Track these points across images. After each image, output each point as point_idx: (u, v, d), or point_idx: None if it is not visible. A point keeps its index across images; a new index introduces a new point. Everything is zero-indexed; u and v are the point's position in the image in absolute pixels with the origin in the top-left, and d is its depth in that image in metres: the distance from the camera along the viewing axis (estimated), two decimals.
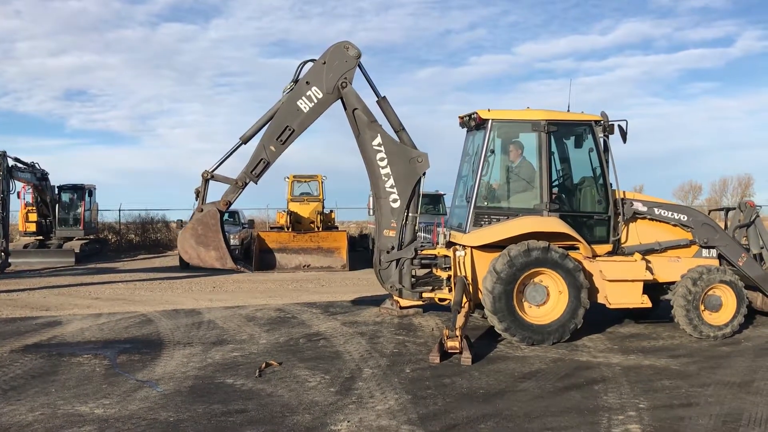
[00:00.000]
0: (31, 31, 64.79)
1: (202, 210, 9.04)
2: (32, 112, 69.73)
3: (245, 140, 9.27)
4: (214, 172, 9.23)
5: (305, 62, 9.27)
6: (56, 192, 23.33)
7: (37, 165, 21.62)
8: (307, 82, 9.14)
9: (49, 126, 71.26)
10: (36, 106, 69.92)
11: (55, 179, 23.16)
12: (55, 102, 71.78)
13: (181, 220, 22.31)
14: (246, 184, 9.22)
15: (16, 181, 20.01)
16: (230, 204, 9.23)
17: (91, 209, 24.70)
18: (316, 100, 9.12)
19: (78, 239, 23.29)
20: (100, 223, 27.20)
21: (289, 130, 9.08)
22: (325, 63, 9.14)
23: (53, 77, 68.65)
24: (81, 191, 24.00)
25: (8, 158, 17.79)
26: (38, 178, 21.82)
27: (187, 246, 9.02)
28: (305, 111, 9.12)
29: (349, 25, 67.60)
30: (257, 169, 9.12)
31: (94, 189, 25.02)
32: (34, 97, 70.39)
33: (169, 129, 74.78)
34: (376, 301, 11.91)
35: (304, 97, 9.10)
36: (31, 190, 22.72)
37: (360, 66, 9.32)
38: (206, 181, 9.23)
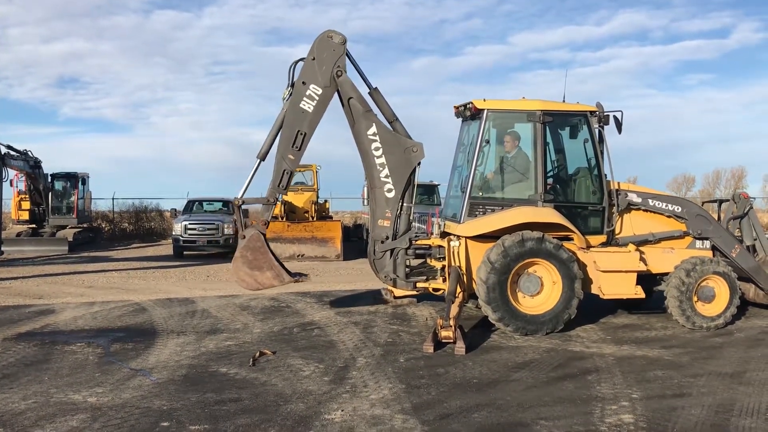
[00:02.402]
0: (22, 17, 64.44)
1: (244, 236, 9.05)
2: (25, 99, 69.55)
3: (262, 157, 9.22)
4: (244, 197, 9.28)
5: (295, 63, 9.20)
6: (49, 180, 23.24)
7: (30, 153, 21.53)
8: (303, 83, 9.08)
9: (41, 113, 71.13)
10: (28, 93, 69.73)
11: (48, 167, 23.12)
12: (48, 89, 71.58)
13: (175, 209, 22.32)
14: (277, 199, 9.33)
15: (8, 169, 19.93)
16: (268, 223, 9.28)
17: (85, 197, 24.62)
18: (317, 98, 9.07)
19: (71, 228, 23.24)
20: (93, 211, 27.11)
21: (301, 134, 9.05)
22: (314, 59, 9.08)
23: (45, 64, 68.38)
24: (74, 179, 23.90)
25: (1, 146, 17.70)
26: (31, 166, 21.73)
27: (242, 274, 9.03)
28: (310, 111, 9.07)
29: (343, 13, 67.47)
30: (283, 181, 9.15)
31: (88, 177, 24.92)
32: (26, 84, 70.19)
33: (162, 117, 74.70)
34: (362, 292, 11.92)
35: (305, 98, 9.05)
36: (24, 178, 22.64)
37: (349, 57, 9.27)
38: (239, 207, 9.33)
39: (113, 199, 28.72)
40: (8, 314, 10.07)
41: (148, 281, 14.13)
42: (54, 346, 8.00)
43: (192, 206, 21.96)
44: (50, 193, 23.13)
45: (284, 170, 9.11)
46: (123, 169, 66.03)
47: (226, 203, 22.31)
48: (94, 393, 6.12)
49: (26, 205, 23.13)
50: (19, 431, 5.19)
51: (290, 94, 9.12)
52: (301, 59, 9.16)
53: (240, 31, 71.76)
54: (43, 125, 73.36)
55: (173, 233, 20.03)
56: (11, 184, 22.76)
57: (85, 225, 24.55)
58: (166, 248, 22.40)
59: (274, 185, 9.16)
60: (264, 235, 9.10)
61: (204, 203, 22.57)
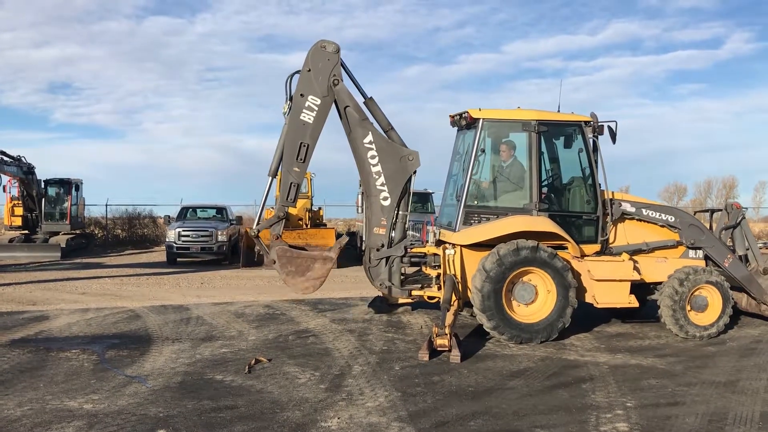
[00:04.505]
0: (13, 21, 64.30)
1: (274, 261, 9.13)
2: (16, 104, 69.22)
3: (273, 174, 9.30)
4: (259, 225, 9.40)
5: (291, 76, 9.23)
6: (42, 186, 23.16)
7: (23, 158, 21.48)
8: (301, 95, 9.11)
9: (33, 119, 70.78)
10: (20, 98, 69.38)
11: (41, 173, 23.04)
12: (39, 95, 71.28)
13: (168, 216, 22.27)
14: (286, 213, 9.42)
15: (1, 175, 19.91)
16: (280, 237, 9.33)
17: (78, 204, 24.54)
18: (316, 108, 9.11)
19: (64, 234, 23.13)
20: (86, 217, 27.02)
21: (304, 146, 9.10)
22: (310, 70, 9.13)
23: (37, 69, 68.13)
24: (68, 185, 23.84)
25: None
26: (24, 172, 21.68)
27: (301, 285, 9.12)
28: (311, 122, 9.11)
29: (337, 21, 67.66)
30: (290, 194, 9.22)
31: (81, 183, 24.86)
32: (17, 89, 69.84)
33: (154, 124, 74.51)
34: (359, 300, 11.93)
35: (304, 110, 9.09)
36: (17, 184, 22.59)
37: (344, 66, 9.31)
38: (257, 237, 9.42)
39: (106, 205, 28.64)
40: (2, 320, 10.03)
41: (141, 288, 14.10)
42: (49, 352, 7.97)
43: (185, 213, 21.94)
44: (43, 199, 23.06)
45: (291, 183, 9.16)
46: (116, 176, 65.78)
47: (219, 210, 22.28)
48: (90, 400, 6.11)
49: (19, 211, 23.06)
50: None
51: (290, 108, 9.16)
52: (297, 72, 9.20)
53: (233, 37, 71.80)
54: (35, 131, 73.02)
55: (167, 240, 19.98)
56: (4, 190, 22.72)
57: (78, 231, 24.46)
58: (159, 255, 22.33)
59: (283, 199, 9.21)
60: (286, 243, 9.20)
61: (198, 210, 22.53)
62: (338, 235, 20.61)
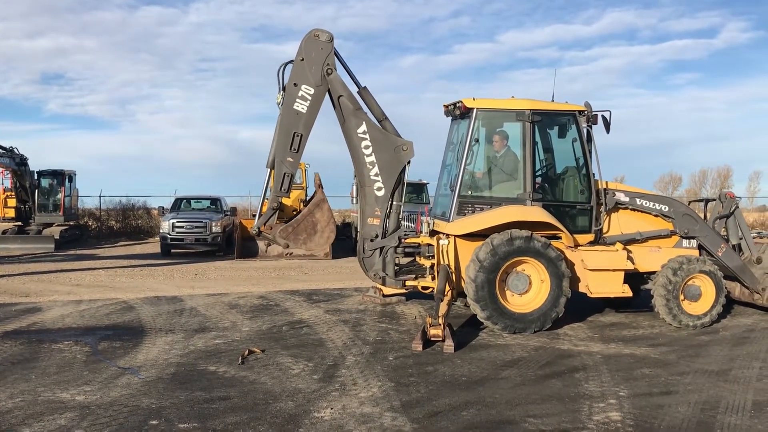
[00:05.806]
0: (4, 11, 63.84)
1: (287, 245, 9.45)
2: (8, 95, 68.82)
3: (272, 166, 9.24)
4: (257, 223, 9.43)
5: (284, 66, 9.16)
6: (36, 177, 23.07)
7: (16, 150, 21.37)
8: (294, 84, 9.05)
9: (26, 110, 70.46)
10: (12, 89, 68.99)
11: (34, 164, 22.94)
12: (32, 85, 70.89)
13: (163, 207, 22.22)
14: (280, 203, 9.42)
15: None
16: (272, 227, 9.41)
17: (72, 195, 24.46)
18: (310, 98, 9.06)
19: (58, 225, 23.06)
20: (80, 209, 26.94)
21: (297, 136, 9.05)
22: (303, 59, 9.07)
23: (29, 60, 67.71)
24: (61, 177, 23.75)
25: None
26: (17, 163, 21.58)
27: (321, 242, 9.51)
28: (304, 112, 9.06)
29: (332, 10, 67.39)
30: (284, 185, 9.18)
31: (75, 175, 24.76)
32: (9, 80, 69.40)
33: (148, 114, 74.25)
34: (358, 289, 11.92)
35: (297, 100, 9.03)
36: (9, 175, 22.50)
37: (338, 55, 9.26)
38: (259, 233, 9.48)
39: (100, 196, 28.55)
40: None
41: (135, 279, 14.06)
42: (41, 344, 7.94)
43: (180, 204, 21.86)
44: (36, 191, 22.97)
45: (285, 173, 9.12)
46: (109, 167, 65.55)
47: (214, 201, 22.22)
48: (82, 391, 6.09)
49: (12, 202, 22.99)
50: (6, 430, 5.16)
51: (283, 97, 9.10)
52: (290, 62, 9.14)
53: (227, 27, 71.49)
54: (28, 122, 72.70)
55: (161, 231, 19.94)
56: None
57: (71, 223, 24.39)
58: (153, 246, 22.30)
59: (276, 190, 9.16)
60: (280, 224, 9.35)
61: (192, 201, 22.46)
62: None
